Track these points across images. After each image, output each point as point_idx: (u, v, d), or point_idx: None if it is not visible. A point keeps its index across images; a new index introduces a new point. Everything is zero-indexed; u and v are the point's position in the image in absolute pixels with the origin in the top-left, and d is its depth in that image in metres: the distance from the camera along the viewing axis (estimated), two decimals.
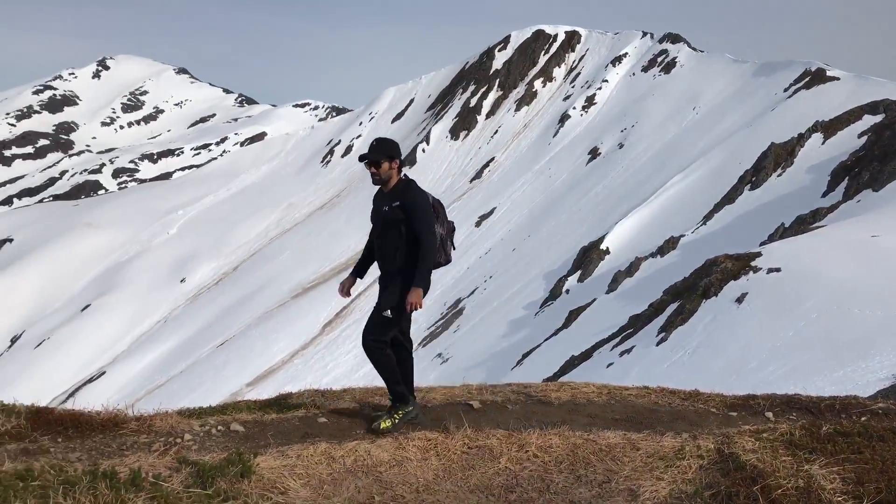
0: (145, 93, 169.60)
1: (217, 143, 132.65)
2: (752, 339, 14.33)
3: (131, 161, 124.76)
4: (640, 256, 28.46)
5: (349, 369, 37.73)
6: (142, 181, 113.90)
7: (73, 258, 69.73)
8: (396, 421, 4.75)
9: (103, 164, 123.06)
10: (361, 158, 5.13)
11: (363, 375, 35.34)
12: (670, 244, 28.23)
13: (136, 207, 79.91)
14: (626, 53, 64.38)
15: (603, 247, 32.51)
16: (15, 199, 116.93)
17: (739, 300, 16.19)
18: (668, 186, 36.14)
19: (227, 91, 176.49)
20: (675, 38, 62.45)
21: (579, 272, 31.94)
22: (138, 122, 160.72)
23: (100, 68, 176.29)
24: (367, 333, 4.98)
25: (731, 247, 21.42)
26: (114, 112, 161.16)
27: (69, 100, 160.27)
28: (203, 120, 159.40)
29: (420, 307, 4.85)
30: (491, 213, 51.52)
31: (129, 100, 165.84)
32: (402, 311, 4.93)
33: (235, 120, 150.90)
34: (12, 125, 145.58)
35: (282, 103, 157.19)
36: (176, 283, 63.68)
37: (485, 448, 4.27)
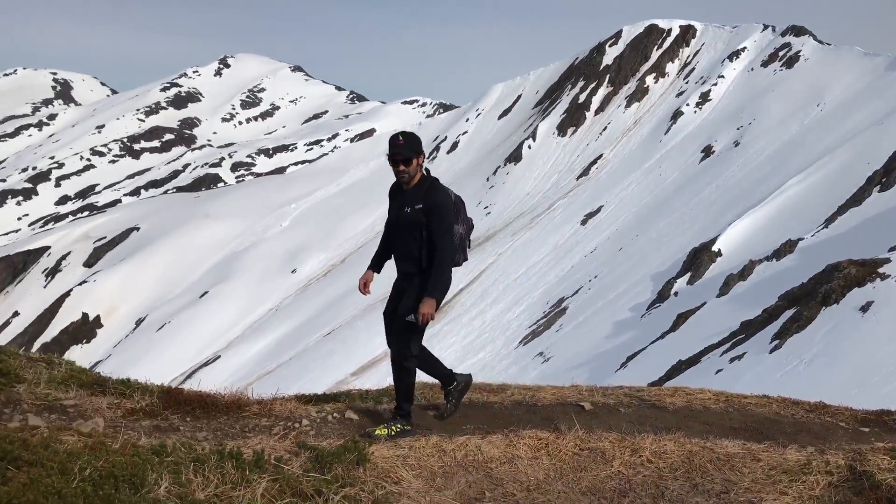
0: (263, 90, 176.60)
1: (329, 139, 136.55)
2: (878, 350, 13.46)
3: (248, 155, 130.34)
4: (754, 259, 27.25)
5: (448, 364, 37.19)
6: (258, 175, 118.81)
7: (194, 247, 73.56)
8: (392, 433, 4.50)
9: (223, 158, 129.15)
10: (393, 155, 4.76)
11: (463, 370, 35.48)
12: (788, 247, 26.87)
13: (252, 200, 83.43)
14: (745, 48, 61.70)
15: (715, 249, 31.33)
16: (142, 190, 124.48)
17: (864, 309, 15.23)
18: (787, 187, 34.42)
19: (339, 88, 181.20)
20: (799, 31, 59.32)
21: (689, 274, 30.92)
22: (256, 119, 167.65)
23: (221, 66, 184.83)
24: (393, 343, 4.81)
25: (856, 252, 20.16)
26: (233, 108, 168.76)
27: (193, 97, 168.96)
28: (316, 116, 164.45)
29: (433, 319, 4.57)
30: (598, 211, 50.63)
31: (247, 97, 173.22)
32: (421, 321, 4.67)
33: (346, 117, 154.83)
34: (142, 120, 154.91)
35: (391, 100, 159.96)
36: (287, 274, 66.09)
37: (597, 451, 4.20)
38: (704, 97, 58.31)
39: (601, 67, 71.43)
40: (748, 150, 45.72)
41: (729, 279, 26.91)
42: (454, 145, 79.68)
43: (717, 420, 4.81)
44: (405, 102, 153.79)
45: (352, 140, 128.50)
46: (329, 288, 59.69)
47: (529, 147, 67.39)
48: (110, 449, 3.32)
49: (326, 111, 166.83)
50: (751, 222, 32.41)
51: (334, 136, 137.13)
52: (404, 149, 4.72)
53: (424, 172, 4.91)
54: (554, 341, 33.53)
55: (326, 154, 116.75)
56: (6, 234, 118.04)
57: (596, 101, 68.24)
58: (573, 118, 67.76)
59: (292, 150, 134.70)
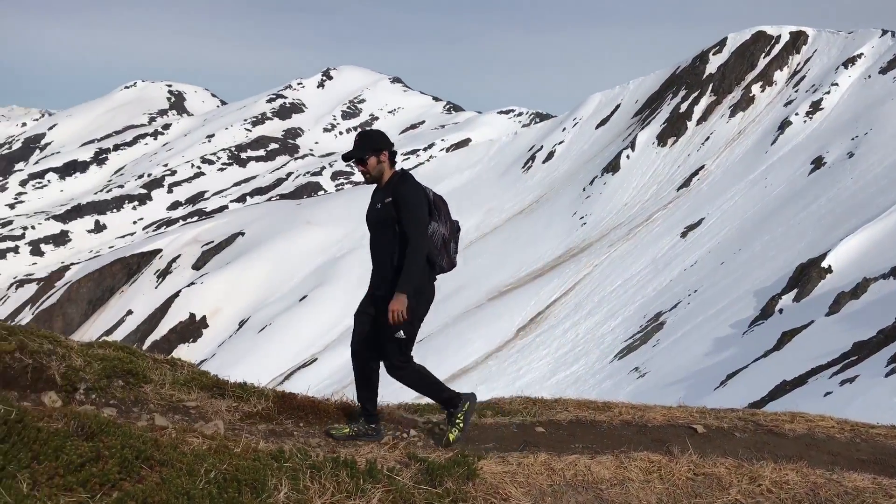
0: (363, 101, 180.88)
1: (424, 149, 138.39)
2: None
3: (348, 164, 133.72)
4: (868, 277, 25.75)
5: (541, 375, 37.68)
6: (356, 184, 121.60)
7: (295, 252, 75.88)
8: (461, 426, 4.46)
9: (323, 167, 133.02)
10: (346, 158, 4.58)
11: (555, 383, 35.13)
12: None
13: (351, 208, 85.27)
14: (861, 54, 58.57)
15: (824, 265, 29.79)
16: (248, 197, 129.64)
17: None
18: None
19: (436, 99, 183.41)
20: None
21: (795, 291, 29.53)
22: (356, 129, 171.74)
23: (324, 78, 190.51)
24: (385, 360, 4.54)
25: None
26: (334, 119, 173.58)
27: (297, 107, 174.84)
28: (413, 127, 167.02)
29: (404, 318, 4.25)
30: (698, 223, 49.09)
31: (348, 108, 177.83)
32: (413, 324, 4.47)
33: (442, 127, 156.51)
34: (248, 130, 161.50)
35: (487, 110, 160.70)
36: None
37: (712, 476, 4.03)
38: (815, 106, 55.68)
39: (704, 76, 69.37)
40: (863, 162, 43.33)
41: (840, 297, 25.53)
42: (550, 155, 79.11)
43: (842, 451, 4.53)
44: (501, 112, 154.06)
45: (447, 150, 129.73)
46: None
47: (628, 157, 66.11)
48: (232, 452, 3.44)
49: (423, 121, 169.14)
50: (866, 238, 30.66)
51: (430, 146, 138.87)
52: (354, 149, 4.55)
53: (398, 170, 4.70)
54: (650, 356, 32.68)
55: (422, 163, 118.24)
56: (122, 236, 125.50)
57: (698, 111, 66.31)
58: (674, 128, 66.07)
59: None
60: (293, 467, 3.41)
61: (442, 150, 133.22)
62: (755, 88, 64.50)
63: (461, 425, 4.52)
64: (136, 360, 4.56)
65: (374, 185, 4.76)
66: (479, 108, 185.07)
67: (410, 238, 4.42)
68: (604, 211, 61.14)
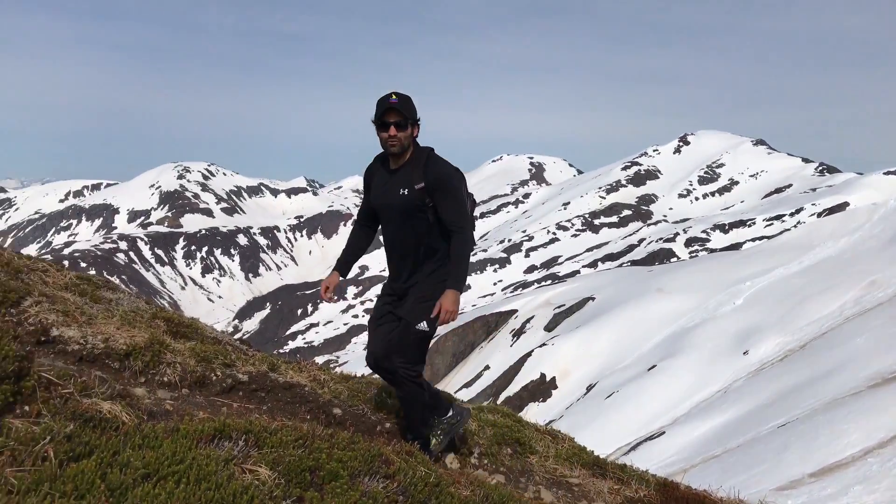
0: (721, 165, 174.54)
1: (791, 214, 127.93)
2: None
3: (703, 231, 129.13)
4: None
5: None
6: (712, 251, 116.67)
7: (644, 320, 74.73)
8: (441, 437, 4.10)
9: (677, 234, 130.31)
10: (384, 114, 3.75)
11: None
12: None
13: (705, 276, 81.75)
14: None
15: None
16: (599, 263, 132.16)
17: None
18: None
19: (805, 160, 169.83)
20: None
21: None
22: (712, 194, 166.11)
23: (681, 144, 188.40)
24: (395, 355, 3.83)
25: None
26: (690, 184, 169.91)
27: (651, 174, 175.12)
28: (778, 191, 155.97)
29: (455, 317, 3.70)
30: None
31: (705, 172, 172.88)
32: (435, 323, 3.83)
33: (813, 190, 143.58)
34: (602, 198, 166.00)
35: (870, 171, 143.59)
36: (738, 355, 62.70)
37: None
38: None
39: None
40: None
41: None
42: None
43: None
44: (888, 172, 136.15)
45: (819, 215, 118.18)
46: (786, 375, 54.69)
47: None
48: None
49: (790, 185, 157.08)
50: None
51: (798, 211, 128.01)
52: (399, 106, 3.80)
53: (417, 146, 4.00)
54: None
55: (788, 230, 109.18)
56: (483, 296, 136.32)
57: None
58: None
59: (750, 226, 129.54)
60: None
61: (812, 215, 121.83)
62: None
63: (440, 437, 4.16)
64: (523, 430, 4.94)
65: (372, 162, 4.23)
66: (859, 168, 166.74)
67: (457, 232, 3.87)
68: None
